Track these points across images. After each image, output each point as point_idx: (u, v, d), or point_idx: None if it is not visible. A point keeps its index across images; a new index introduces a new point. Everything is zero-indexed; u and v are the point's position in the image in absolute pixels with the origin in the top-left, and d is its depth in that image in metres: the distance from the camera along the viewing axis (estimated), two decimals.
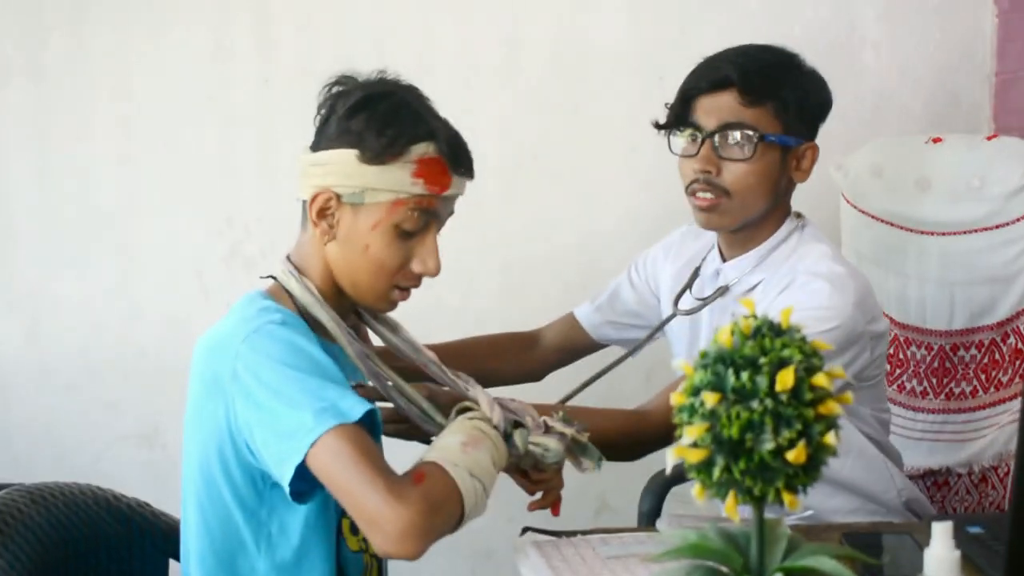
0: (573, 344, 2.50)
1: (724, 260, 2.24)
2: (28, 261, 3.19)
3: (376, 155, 1.78)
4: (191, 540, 1.82)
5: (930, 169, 2.56)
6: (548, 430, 1.81)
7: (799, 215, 2.23)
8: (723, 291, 2.21)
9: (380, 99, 1.81)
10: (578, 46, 3.03)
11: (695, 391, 1.20)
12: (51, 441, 3.20)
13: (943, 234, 2.53)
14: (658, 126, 2.20)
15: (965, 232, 2.51)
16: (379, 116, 1.79)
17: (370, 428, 1.67)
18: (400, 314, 3.09)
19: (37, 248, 3.19)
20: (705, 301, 2.23)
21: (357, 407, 1.64)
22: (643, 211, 3.00)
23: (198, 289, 3.12)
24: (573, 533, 1.92)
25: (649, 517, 2.38)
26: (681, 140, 2.16)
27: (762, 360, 1.18)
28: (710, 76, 2.13)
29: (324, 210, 1.80)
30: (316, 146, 1.83)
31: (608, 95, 3.02)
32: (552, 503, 1.91)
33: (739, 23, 2.94)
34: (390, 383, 1.84)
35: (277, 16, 3.11)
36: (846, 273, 2.12)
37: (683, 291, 2.30)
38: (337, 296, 1.85)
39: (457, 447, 1.69)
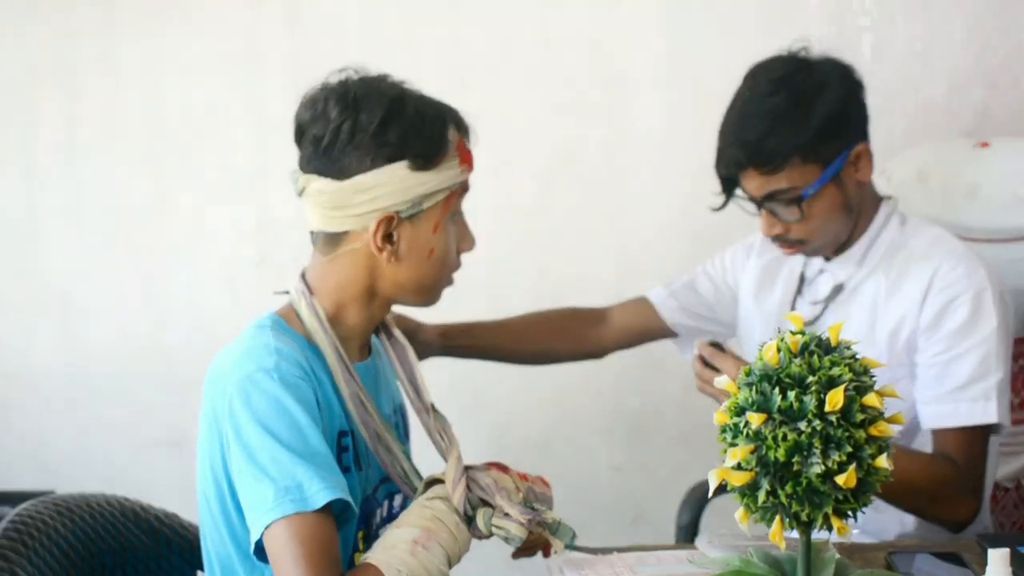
0: (644, 326, 2.44)
1: (827, 259, 2.20)
2: (58, 267, 3.19)
3: (429, 159, 1.71)
4: (207, 547, 1.78)
5: (978, 175, 2.50)
6: (507, 516, 1.70)
7: (888, 197, 2.20)
8: (839, 289, 2.16)
9: (400, 102, 1.73)
10: (613, 51, 2.99)
11: (739, 411, 1.15)
12: (80, 448, 3.18)
13: (992, 241, 2.46)
14: (718, 208, 2.18)
15: (1016, 240, 2.44)
16: (412, 119, 1.72)
17: (340, 512, 1.61)
18: (431, 321, 3.08)
19: (67, 254, 3.18)
20: (826, 303, 2.18)
21: (322, 494, 1.57)
22: (677, 218, 2.96)
23: (228, 296, 3.09)
24: (609, 550, 1.87)
25: (687, 531, 2.33)
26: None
27: (810, 379, 1.13)
28: (728, 161, 2.10)
29: (388, 235, 1.73)
30: (344, 171, 1.71)
31: (643, 100, 2.97)
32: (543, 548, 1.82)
33: (777, 26, 2.88)
34: (377, 433, 1.76)
35: (308, 21, 3.08)
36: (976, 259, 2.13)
37: (794, 299, 2.25)
38: (362, 310, 1.78)
39: (406, 546, 1.60)
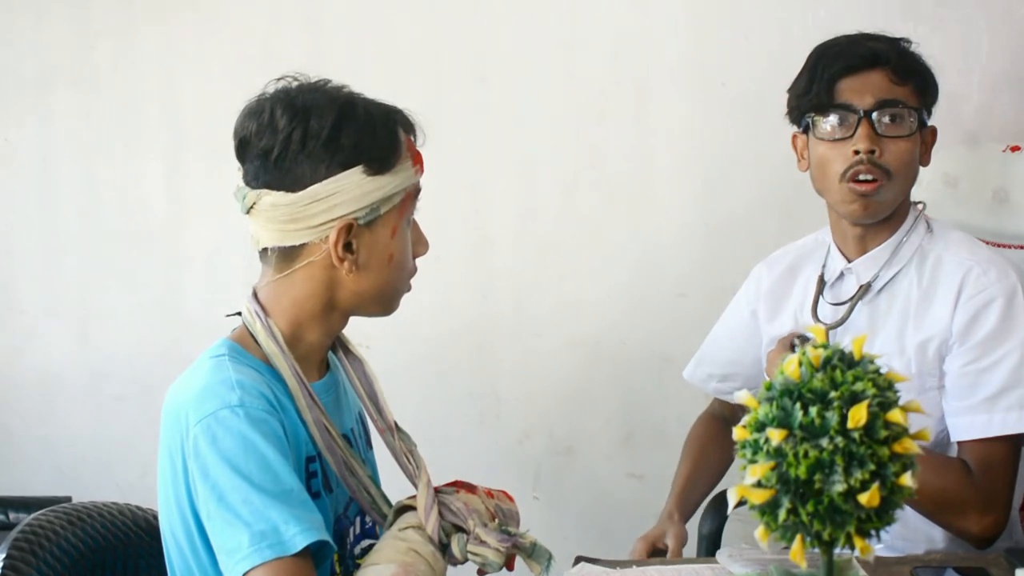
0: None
1: (849, 260, 2.15)
2: (76, 271, 3.19)
3: (384, 162, 1.66)
4: None
5: (1008, 179, 2.45)
6: (483, 543, 1.67)
7: (917, 203, 2.18)
8: (866, 288, 2.11)
9: (350, 105, 1.68)
10: (638, 53, 2.95)
11: (759, 426, 1.11)
12: (97, 453, 3.19)
13: (1023, 247, 2.42)
14: (795, 112, 2.12)
15: None
16: (363, 123, 1.66)
17: (317, 549, 1.58)
18: (457, 326, 3.05)
19: (85, 258, 3.19)
20: (852, 302, 2.11)
21: (299, 536, 1.54)
22: (702, 221, 2.92)
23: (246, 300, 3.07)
24: (629, 563, 1.83)
25: (709, 541, 2.31)
26: (826, 125, 2.07)
27: (832, 394, 1.09)
28: (859, 54, 2.06)
29: (347, 244, 1.67)
30: (298, 182, 1.64)
31: (668, 103, 2.94)
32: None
33: (807, 28, 2.84)
34: (343, 460, 1.71)
35: (326, 24, 3.06)
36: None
37: (816, 303, 2.18)
38: (320, 326, 1.72)
39: None
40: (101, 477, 3.10)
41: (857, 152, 2.02)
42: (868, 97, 2.03)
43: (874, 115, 2.03)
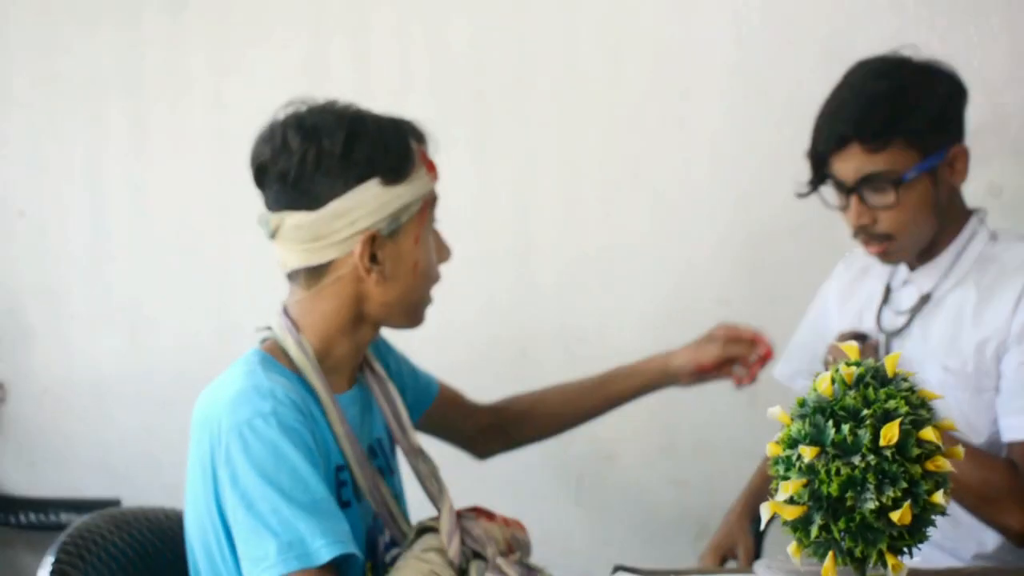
0: None
1: (912, 270, 2.17)
2: (125, 277, 3.22)
3: (399, 172, 1.70)
4: None
5: None
6: (503, 573, 1.69)
7: (978, 210, 2.17)
8: (925, 300, 2.12)
9: (359, 121, 1.71)
10: (680, 61, 2.95)
11: (792, 443, 1.13)
12: (147, 457, 3.21)
13: None
14: (803, 194, 2.15)
15: None
16: (374, 136, 1.70)
17: (341, 563, 1.60)
18: (499, 333, 3.06)
19: (133, 264, 3.21)
20: (911, 314, 2.13)
21: (325, 549, 1.56)
22: (744, 229, 2.91)
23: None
24: (667, 573, 1.84)
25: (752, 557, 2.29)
26: (832, 195, 2.11)
27: (865, 412, 1.10)
28: (829, 135, 2.07)
29: (373, 255, 1.71)
30: (317, 200, 1.69)
31: (711, 111, 2.93)
32: None
33: (854, 30, 2.83)
34: (370, 472, 1.74)
35: (372, 31, 3.07)
36: None
37: (880, 310, 2.21)
38: (349, 339, 1.76)
39: None
40: (149, 479, 3.12)
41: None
42: (851, 173, 2.04)
43: (860, 190, 2.04)
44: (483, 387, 3.06)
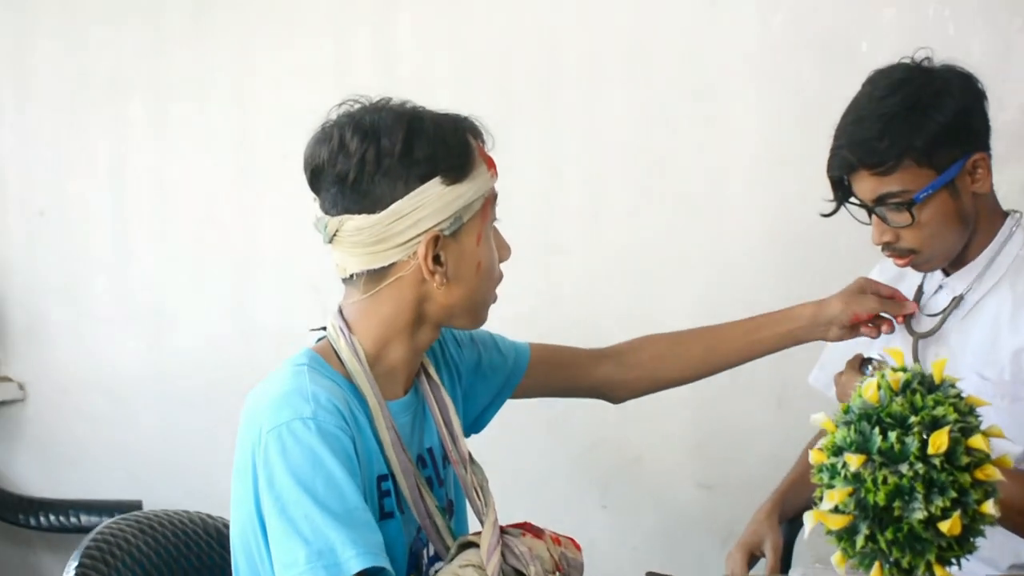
0: None
1: (946, 275, 2.14)
2: (146, 278, 3.23)
3: (460, 170, 1.65)
4: None
5: None
6: None
7: (1013, 212, 2.13)
8: (958, 301, 2.09)
9: (418, 119, 1.66)
10: (707, 62, 2.93)
11: (836, 450, 1.10)
12: (168, 459, 3.22)
13: None
14: (829, 214, 2.12)
15: None
16: (434, 134, 1.65)
17: (375, 575, 1.56)
18: (526, 334, 3.04)
19: (155, 265, 3.23)
20: (945, 316, 2.10)
21: (355, 560, 1.52)
22: (771, 231, 2.89)
23: (315, 305, 3.08)
24: None
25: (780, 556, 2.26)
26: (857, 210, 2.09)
27: (912, 419, 1.07)
28: (839, 162, 2.05)
29: (438, 256, 1.66)
30: (378, 202, 1.64)
31: (738, 112, 2.91)
32: None
33: (880, 33, 2.80)
34: (416, 484, 1.70)
35: (396, 30, 3.07)
36: None
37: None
38: (407, 342, 1.71)
39: None
40: (170, 481, 3.13)
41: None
42: (866, 194, 2.03)
43: (878, 209, 2.02)
44: None
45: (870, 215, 2.04)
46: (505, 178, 2.96)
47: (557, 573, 1.68)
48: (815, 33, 2.86)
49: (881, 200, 2.01)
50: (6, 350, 3.28)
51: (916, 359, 2.13)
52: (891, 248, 2.05)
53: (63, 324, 3.26)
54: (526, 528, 1.73)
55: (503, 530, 1.69)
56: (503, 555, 1.64)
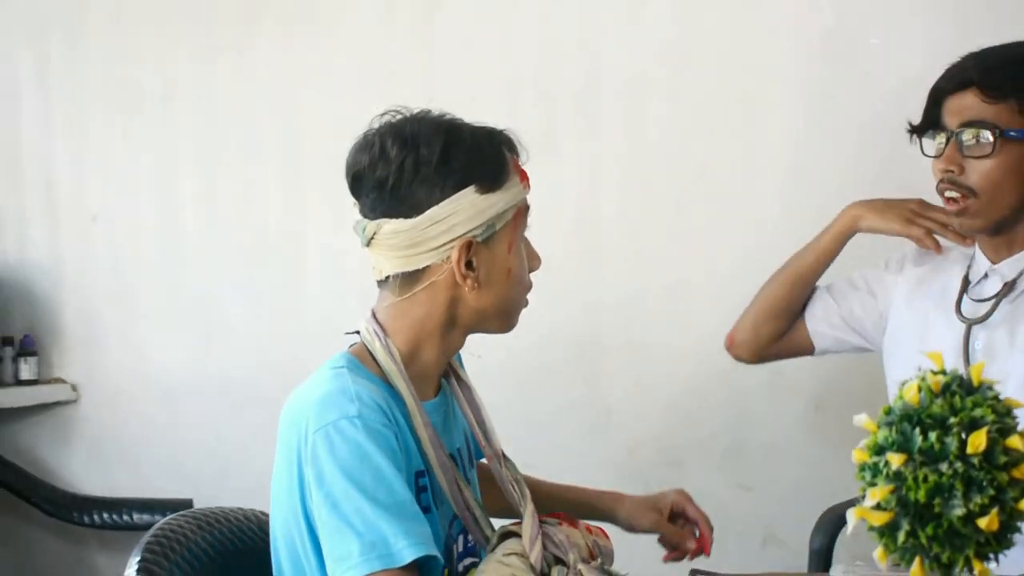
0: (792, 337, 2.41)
1: (993, 263, 2.16)
2: (196, 280, 3.28)
3: (495, 180, 1.71)
4: None
5: None
6: None
7: None
8: (1010, 286, 2.12)
9: (455, 129, 1.73)
10: (747, 65, 2.95)
11: (879, 450, 1.14)
12: (217, 459, 3.27)
13: None
14: (911, 129, 2.16)
15: None
16: (470, 144, 1.71)
17: (422, 565, 1.61)
18: (566, 337, 3.05)
19: (205, 269, 3.27)
20: (995, 299, 2.12)
21: (408, 550, 1.58)
22: (813, 235, 2.91)
23: (362, 308, 3.10)
24: None
25: (820, 557, 2.29)
26: (931, 143, 2.13)
27: (952, 420, 1.11)
28: (953, 77, 2.10)
29: (470, 262, 1.72)
30: (415, 207, 1.70)
31: (778, 115, 2.93)
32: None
33: (923, 37, 2.81)
34: (453, 478, 1.75)
35: (443, 36, 3.12)
36: None
37: (959, 300, 2.19)
38: (438, 345, 1.77)
39: None
40: (220, 482, 3.17)
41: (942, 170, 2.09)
42: (957, 118, 2.08)
43: (958, 136, 2.06)
44: (551, 391, 3.10)
45: (947, 140, 2.08)
46: (548, 183, 3.00)
47: (591, 560, 1.73)
48: (854, 41, 2.89)
49: (970, 124, 2.06)
50: (60, 353, 3.34)
51: (967, 346, 2.16)
52: (953, 182, 2.08)
53: (115, 327, 3.32)
54: (561, 518, 1.79)
55: (540, 520, 1.75)
56: (543, 544, 1.70)
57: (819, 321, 2.37)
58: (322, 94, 3.17)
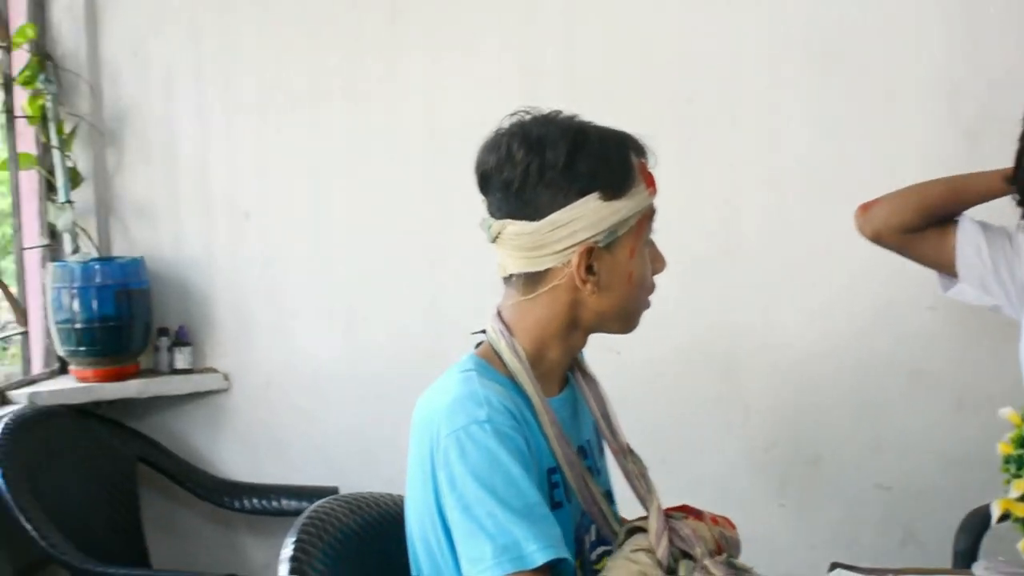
0: (936, 247, 2.37)
1: None
2: (343, 276, 3.34)
3: (620, 187, 1.71)
4: None
5: None
6: (711, 574, 1.69)
7: None
8: None
9: (583, 134, 1.72)
10: (888, 61, 2.94)
11: (1023, 442, 1.15)
12: (362, 449, 3.34)
13: None
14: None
15: None
16: (597, 150, 1.71)
17: (554, 566, 1.63)
18: (705, 335, 3.07)
19: (351, 264, 3.34)
20: None
21: (540, 553, 1.60)
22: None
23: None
24: (885, 571, 1.85)
25: (964, 558, 2.26)
26: None
27: None
28: None
29: (589, 266, 1.73)
30: (539, 211, 1.71)
31: (917, 111, 2.91)
32: None
33: None
34: (580, 473, 1.77)
35: (580, 39, 3.15)
36: None
37: None
38: (562, 344, 1.79)
39: None
40: (365, 470, 3.24)
41: None
42: None
43: None
44: (689, 388, 3.12)
45: None
46: (689, 184, 3.03)
47: (718, 552, 1.75)
48: (991, 33, 2.85)
49: None
50: (213, 344, 3.43)
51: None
52: None
53: (265, 320, 3.40)
54: (687, 511, 1.80)
55: (667, 514, 1.76)
56: (670, 539, 1.71)
57: (969, 250, 2.32)
58: (465, 95, 3.22)
